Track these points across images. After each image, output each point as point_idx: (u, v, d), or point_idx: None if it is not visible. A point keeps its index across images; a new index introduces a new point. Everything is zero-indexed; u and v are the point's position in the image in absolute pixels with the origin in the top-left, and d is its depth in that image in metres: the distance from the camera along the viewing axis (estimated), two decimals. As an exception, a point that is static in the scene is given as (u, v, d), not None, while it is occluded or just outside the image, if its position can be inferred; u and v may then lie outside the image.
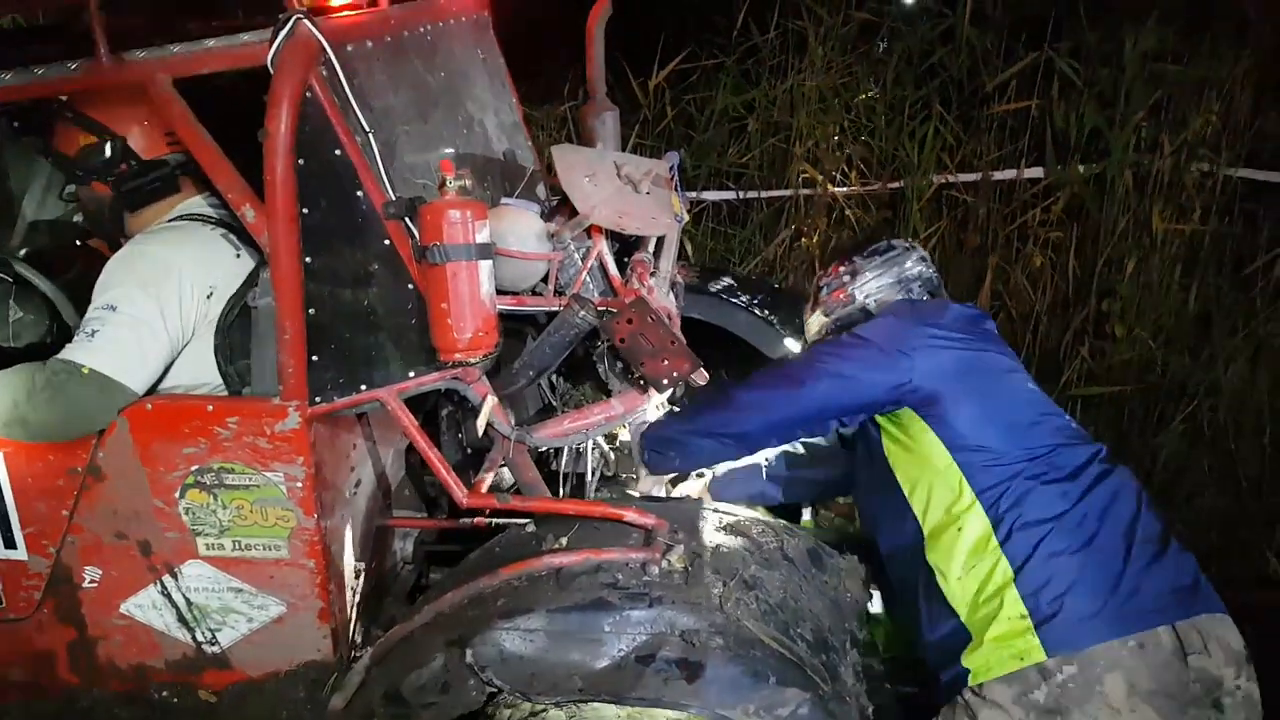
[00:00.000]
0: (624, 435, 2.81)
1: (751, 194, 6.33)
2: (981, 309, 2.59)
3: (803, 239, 6.15)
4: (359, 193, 2.16)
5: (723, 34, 6.44)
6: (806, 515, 3.27)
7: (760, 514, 2.65)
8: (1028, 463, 2.25)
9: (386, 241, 2.20)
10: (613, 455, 2.85)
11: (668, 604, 2.10)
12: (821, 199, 6.13)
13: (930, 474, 2.32)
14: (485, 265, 2.15)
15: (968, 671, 2.19)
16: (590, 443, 2.66)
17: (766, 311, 3.46)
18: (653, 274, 2.95)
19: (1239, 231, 5.62)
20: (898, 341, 2.36)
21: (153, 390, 2.37)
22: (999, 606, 2.17)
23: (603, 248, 2.78)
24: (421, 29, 2.69)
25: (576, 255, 2.71)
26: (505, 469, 2.49)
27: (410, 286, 2.23)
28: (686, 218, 3.09)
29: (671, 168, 3.07)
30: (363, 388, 2.27)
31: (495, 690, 2.08)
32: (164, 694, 2.54)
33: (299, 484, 2.28)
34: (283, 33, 2.06)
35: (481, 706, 2.12)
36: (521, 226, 2.51)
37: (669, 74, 6.30)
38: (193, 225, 2.51)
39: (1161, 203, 5.57)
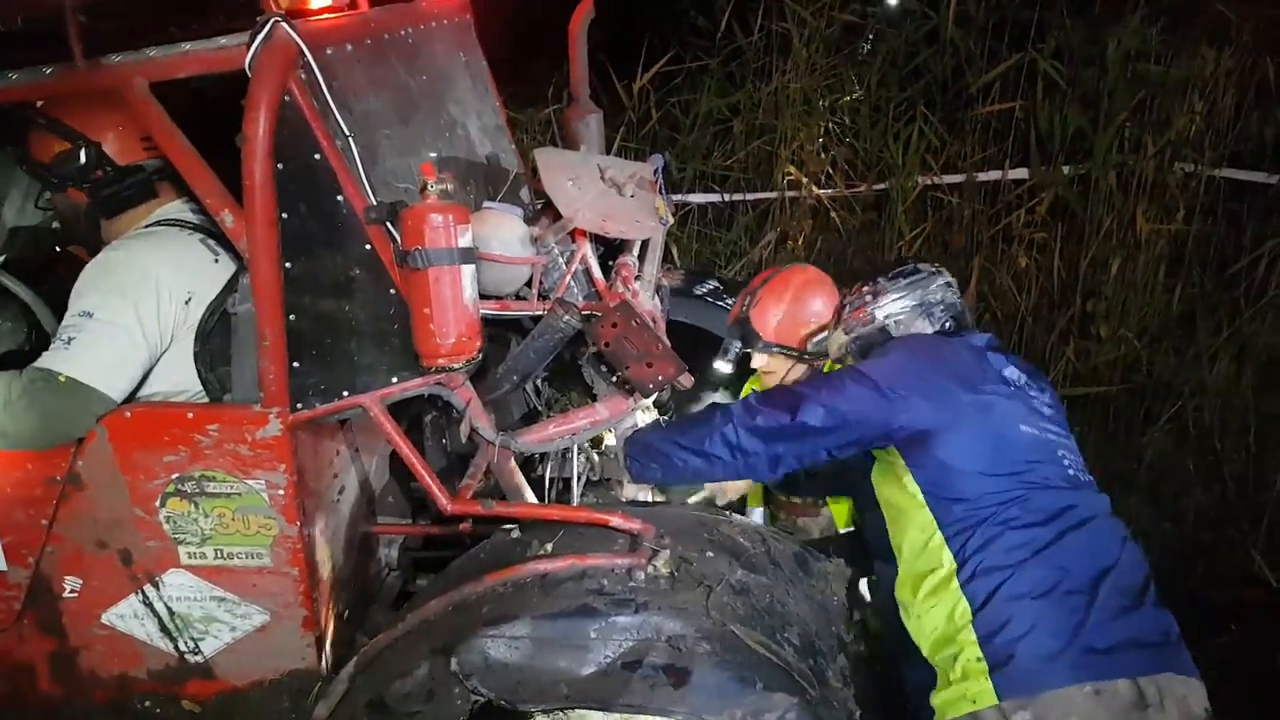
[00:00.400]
0: (610, 440, 2.80)
1: (737, 196, 6.33)
2: (988, 334, 2.54)
3: (788, 241, 6.16)
4: (339, 197, 2.15)
5: (707, 36, 6.44)
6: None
7: (746, 519, 2.64)
8: (999, 506, 2.20)
9: (367, 246, 2.19)
10: (599, 460, 2.83)
11: (654, 609, 2.09)
12: (806, 201, 6.13)
13: (909, 510, 2.30)
14: (468, 270, 2.14)
15: (934, 711, 2.17)
16: (576, 447, 2.64)
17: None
18: (637, 277, 2.94)
19: (1223, 231, 5.63)
20: (896, 383, 2.31)
21: (132, 398, 2.35)
22: (959, 648, 2.14)
23: (587, 251, 2.77)
24: (403, 32, 2.67)
25: (560, 259, 2.70)
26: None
27: (392, 292, 2.21)
28: (671, 221, 3.09)
29: (656, 171, 3.07)
30: (345, 394, 2.25)
31: (481, 699, 2.07)
32: (147, 704, 2.51)
33: (281, 492, 2.26)
34: (260, 36, 2.05)
35: (467, 715, 2.10)
36: (505, 230, 2.49)
37: (653, 76, 6.29)
38: (170, 230, 2.49)
39: (1145, 203, 5.58)
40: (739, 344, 3.11)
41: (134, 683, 2.51)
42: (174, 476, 2.29)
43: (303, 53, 2.09)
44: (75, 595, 2.44)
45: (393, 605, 2.70)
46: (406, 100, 2.59)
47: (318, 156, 2.11)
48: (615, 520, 2.28)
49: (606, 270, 2.91)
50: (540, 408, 2.92)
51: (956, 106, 6.18)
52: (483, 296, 2.30)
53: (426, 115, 2.69)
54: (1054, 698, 2.03)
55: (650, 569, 2.16)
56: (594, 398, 2.62)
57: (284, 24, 2.07)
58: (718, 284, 3.71)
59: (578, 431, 2.48)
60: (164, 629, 2.44)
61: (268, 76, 2.03)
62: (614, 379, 2.50)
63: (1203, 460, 4.97)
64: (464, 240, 2.12)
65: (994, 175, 6.00)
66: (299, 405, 2.22)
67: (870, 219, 6.24)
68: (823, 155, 6.19)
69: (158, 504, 2.31)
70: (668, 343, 2.50)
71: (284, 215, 2.11)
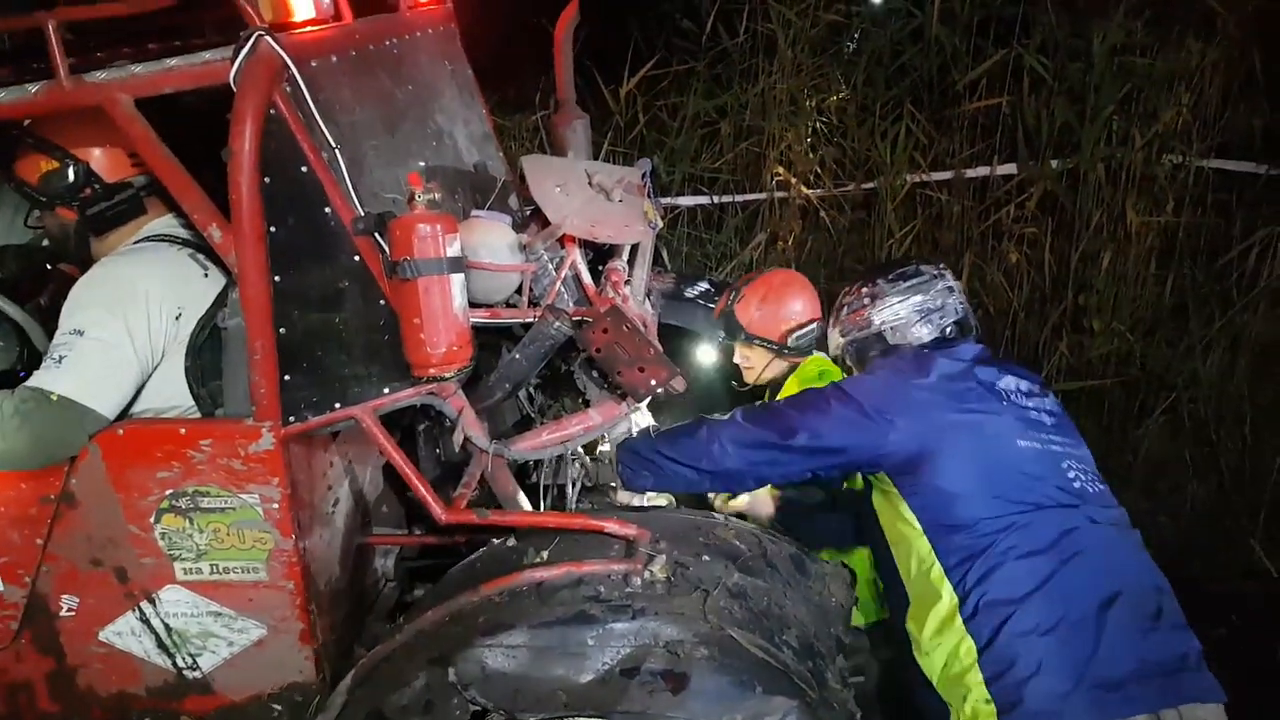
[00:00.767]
0: (605, 446, 2.80)
1: (726, 198, 6.34)
2: (979, 346, 2.48)
3: (778, 242, 6.17)
4: (327, 209, 2.14)
5: (692, 39, 6.45)
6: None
7: (743, 521, 2.63)
8: (998, 534, 2.14)
9: (356, 258, 2.18)
10: (593, 466, 2.83)
11: (651, 615, 2.09)
12: (795, 202, 6.14)
13: (909, 538, 2.27)
14: (457, 279, 2.13)
15: None
16: (570, 454, 2.64)
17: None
18: (627, 282, 2.94)
19: (1212, 222, 5.66)
20: (881, 405, 2.28)
21: (124, 414, 2.34)
22: (967, 689, 2.11)
23: (576, 257, 2.76)
24: (388, 43, 2.67)
25: (550, 266, 2.69)
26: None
27: (382, 302, 2.21)
28: (661, 224, 3.09)
29: (644, 175, 3.07)
30: (337, 406, 2.24)
31: (479, 709, 2.06)
32: (146, 721, 2.51)
33: (275, 505, 2.26)
34: (244, 50, 2.04)
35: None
36: (493, 238, 2.49)
37: (640, 80, 6.31)
38: (159, 246, 2.48)
39: (1134, 196, 5.61)
40: (722, 335, 3.27)
41: (133, 700, 2.50)
42: (168, 492, 2.28)
43: (287, 66, 2.09)
44: (72, 614, 2.43)
45: (389, 616, 2.69)
46: (393, 111, 2.59)
47: (304, 169, 2.11)
48: (610, 526, 2.28)
49: (596, 276, 2.91)
50: (533, 415, 2.92)
51: (943, 104, 6.20)
52: (473, 305, 2.30)
53: (413, 125, 2.69)
54: None
55: (646, 574, 2.16)
56: (587, 404, 2.61)
57: (268, 38, 2.06)
58: (709, 286, 3.71)
59: (571, 438, 2.48)
60: (161, 645, 2.43)
61: (252, 90, 2.03)
62: (606, 385, 2.50)
63: (1199, 452, 4.98)
64: (453, 249, 2.12)
65: (982, 171, 6.03)
66: (291, 418, 2.22)
67: (860, 218, 6.26)
68: (811, 155, 6.21)
69: (152, 520, 2.31)
70: (659, 347, 2.50)
71: (272, 228, 2.11)
